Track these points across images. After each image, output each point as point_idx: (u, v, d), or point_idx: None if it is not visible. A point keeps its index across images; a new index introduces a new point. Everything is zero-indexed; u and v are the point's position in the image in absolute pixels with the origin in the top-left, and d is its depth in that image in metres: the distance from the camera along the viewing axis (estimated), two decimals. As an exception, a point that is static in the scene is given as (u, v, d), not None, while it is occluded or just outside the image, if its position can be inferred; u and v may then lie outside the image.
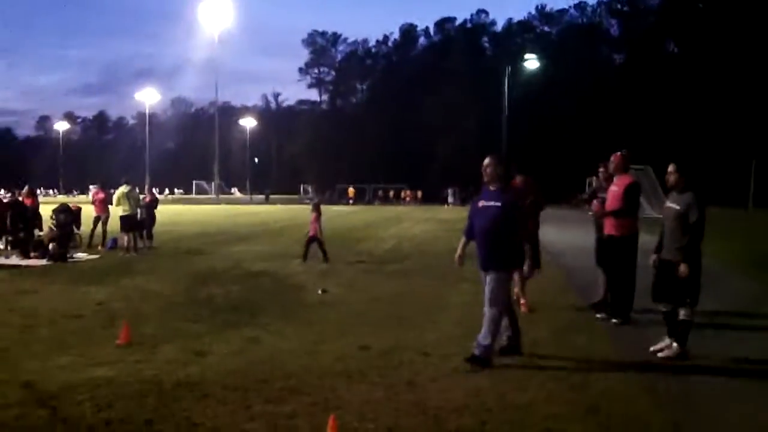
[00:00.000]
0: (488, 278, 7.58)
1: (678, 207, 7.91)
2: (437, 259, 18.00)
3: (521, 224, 7.71)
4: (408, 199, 77.88)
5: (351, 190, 78.93)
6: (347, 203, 73.34)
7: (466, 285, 13.15)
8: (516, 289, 10.56)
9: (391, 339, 8.55)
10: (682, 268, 7.69)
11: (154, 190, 24.55)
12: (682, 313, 7.84)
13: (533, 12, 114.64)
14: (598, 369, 7.31)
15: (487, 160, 7.74)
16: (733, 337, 9.20)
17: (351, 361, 7.47)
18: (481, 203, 7.71)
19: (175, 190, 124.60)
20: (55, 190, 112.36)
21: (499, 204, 7.52)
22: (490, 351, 7.46)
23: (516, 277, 10.20)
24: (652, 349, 8.00)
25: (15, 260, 16.85)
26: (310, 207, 18.72)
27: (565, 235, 25.69)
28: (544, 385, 6.67)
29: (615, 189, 9.94)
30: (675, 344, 7.87)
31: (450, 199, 71.06)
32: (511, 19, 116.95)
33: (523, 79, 73.98)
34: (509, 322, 7.91)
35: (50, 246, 17.42)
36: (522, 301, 10.72)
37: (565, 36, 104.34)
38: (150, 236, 20.39)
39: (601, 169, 10.94)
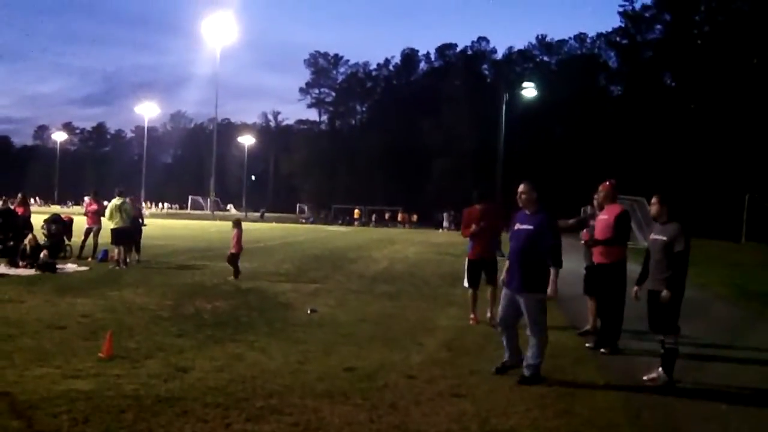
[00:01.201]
0: (522, 301, 7.83)
1: (664, 238, 7.93)
2: (427, 282, 17.95)
3: (557, 246, 7.85)
4: (404, 221, 78.04)
5: (357, 212, 79.95)
6: (352, 224, 74.13)
7: (454, 309, 13.13)
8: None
9: (376, 360, 8.48)
10: (664, 293, 7.73)
11: (142, 204, 24.03)
12: (666, 342, 7.84)
13: (533, 41, 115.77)
14: (584, 396, 7.25)
15: (522, 187, 8.11)
16: (721, 366, 9.18)
17: (335, 382, 7.38)
18: (517, 226, 8.09)
19: (166, 204, 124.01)
20: (38, 199, 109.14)
21: (531, 227, 7.89)
22: (539, 369, 7.79)
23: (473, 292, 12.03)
24: (645, 378, 7.97)
25: (2, 269, 16.71)
26: (230, 223, 18.36)
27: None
28: (529, 412, 6.60)
29: (605, 218, 9.97)
30: (663, 373, 7.84)
31: (445, 224, 70.84)
32: (511, 47, 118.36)
33: (521, 106, 74.23)
34: (510, 342, 8.07)
35: (41, 255, 17.33)
36: (472, 316, 11.95)
37: (564, 66, 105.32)
38: (137, 249, 20.19)
39: (596, 197, 11.00)
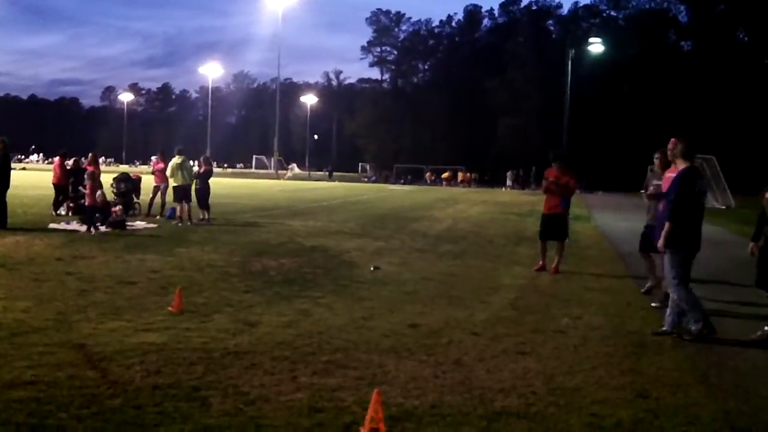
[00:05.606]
0: (664, 259, 8.24)
1: None
2: (491, 241, 17.88)
3: (684, 206, 8.01)
4: (466, 181, 77.55)
5: (447, 174, 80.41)
6: (441, 185, 74.75)
7: (518, 268, 13.08)
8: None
9: (440, 318, 8.51)
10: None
11: (212, 162, 23.92)
12: None
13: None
14: (651, 356, 7.18)
15: (661, 150, 8.73)
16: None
17: (399, 338, 7.44)
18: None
19: (237, 165, 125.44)
20: (106, 158, 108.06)
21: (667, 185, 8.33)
22: (701, 321, 7.90)
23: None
24: (752, 338, 8.06)
25: (74, 226, 17.16)
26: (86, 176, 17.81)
27: (621, 221, 25.36)
28: (595, 370, 6.56)
29: (670, 175, 9.74)
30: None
31: (508, 182, 70.16)
32: (577, 2, 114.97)
33: (587, 64, 72.77)
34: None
35: (115, 212, 17.74)
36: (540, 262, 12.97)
37: (632, 21, 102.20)
38: (206, 207, 20.32)
39: (657, 156, 10.75)
